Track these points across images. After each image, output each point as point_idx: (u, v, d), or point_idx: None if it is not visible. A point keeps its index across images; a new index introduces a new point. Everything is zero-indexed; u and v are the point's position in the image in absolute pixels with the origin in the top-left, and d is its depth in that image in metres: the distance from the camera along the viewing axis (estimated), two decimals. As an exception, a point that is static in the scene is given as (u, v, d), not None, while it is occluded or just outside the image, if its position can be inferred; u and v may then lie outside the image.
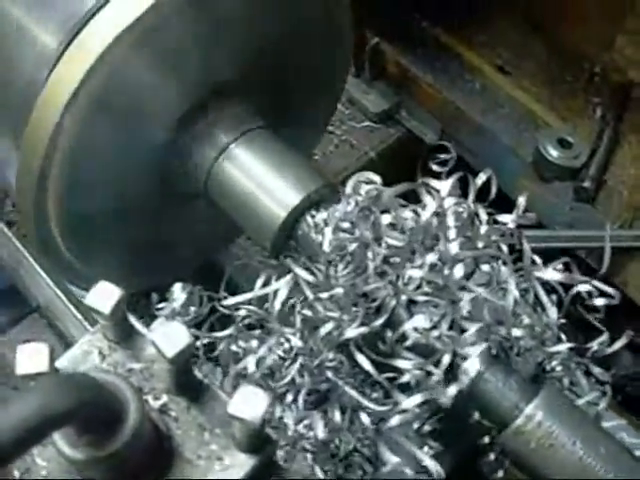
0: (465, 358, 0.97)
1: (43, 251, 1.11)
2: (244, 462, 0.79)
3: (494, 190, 1.10)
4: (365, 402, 0.99)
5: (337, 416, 1.00)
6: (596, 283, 1.08)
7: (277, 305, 1.00)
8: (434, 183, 1.05)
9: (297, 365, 1.01)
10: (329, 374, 1.00)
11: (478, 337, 0.97)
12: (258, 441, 0.79)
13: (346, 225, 0.98)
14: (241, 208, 1.09)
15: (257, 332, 1.06)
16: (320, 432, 0.99)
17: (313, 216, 1.02)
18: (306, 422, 1.01)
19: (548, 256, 1.16)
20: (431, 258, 0.99)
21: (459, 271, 1.00)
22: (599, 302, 1.09)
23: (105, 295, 0.79)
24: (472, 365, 0.97)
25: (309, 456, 1.01)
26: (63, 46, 1.01)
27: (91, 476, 0.74)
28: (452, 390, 0.97)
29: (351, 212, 0.98)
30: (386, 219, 1.00)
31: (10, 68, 1.08)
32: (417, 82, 2.02)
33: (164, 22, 0.99)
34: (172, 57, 1.05)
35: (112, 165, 1.08)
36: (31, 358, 0.74)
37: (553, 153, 1.83)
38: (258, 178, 1.07)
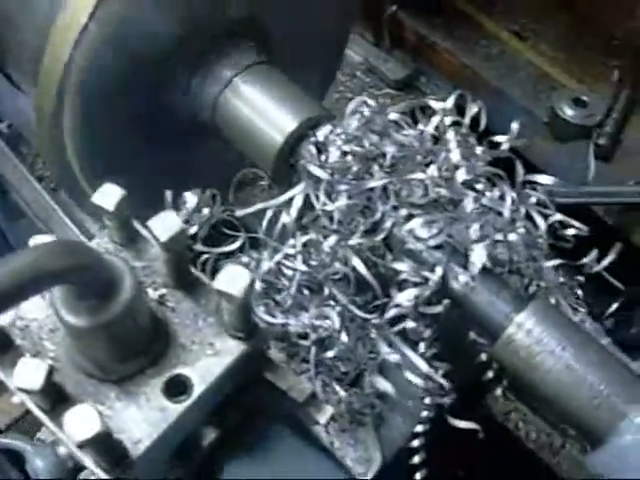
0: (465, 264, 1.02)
1: (62, 182, 1.19)
2: (234, 347, 0.86)
3: (484, 122, 1.14)
4: (358, 312, 1.05)
5: (336, 321, 1.05)
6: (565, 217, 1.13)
7: (294, 213, 1.05)
8: (433, 103, 1.10)
9: (296, 283, 1.07)
10: (331, 287, 1.05)
11: (480, 235, 1.02)
12: (246, 327, 0.85)
13: (348, 144, 1.04)
14: (244, 136, 1.16)
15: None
16: (336, 321, 1.04)
17: (313, 137, 1.07)
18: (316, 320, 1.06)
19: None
20: (433, 169, 1.04)
21: (461, 175, 1.05)
22: (569, 232, 1.13)
23: (109, 194, 0.86)
24: (479, 256, 1.01)
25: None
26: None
27: (92, 350, 0.81)
28: (463, 278, 1.01)
29: (356, 127, 1.04)
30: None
31: (27, 10, 1.17)
32: (435, 49, 2.07)
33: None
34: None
35: (123, 97, 1.14)
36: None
37: (568, 112, 1.84)
38: (259, 107, 1.14)
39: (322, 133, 1.08)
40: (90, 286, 0.73)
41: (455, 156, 1.06)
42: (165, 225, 0.81)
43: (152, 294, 0.88)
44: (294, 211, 1.05)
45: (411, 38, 2.09)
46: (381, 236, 1.06)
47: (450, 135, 1.08)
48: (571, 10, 2.10)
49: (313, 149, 1.07)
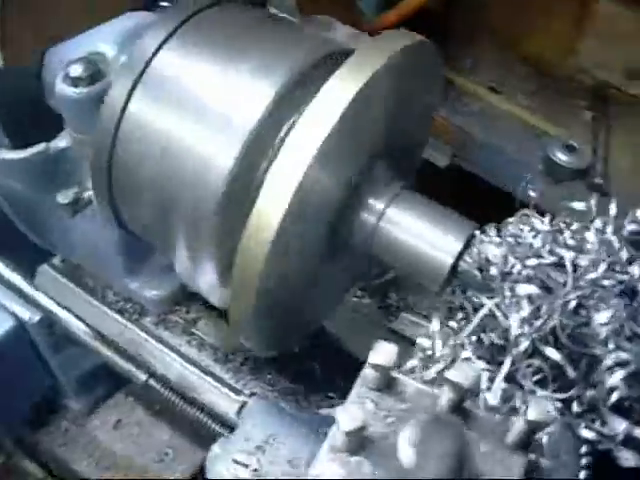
0: None
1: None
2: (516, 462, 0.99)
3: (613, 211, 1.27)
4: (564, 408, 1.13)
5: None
6: None
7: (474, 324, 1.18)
8: (577, 205, 1.28)
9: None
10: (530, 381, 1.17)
11: None
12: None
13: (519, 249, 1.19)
14: (408, 262, 1.26)
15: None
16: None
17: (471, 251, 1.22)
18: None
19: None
20: (603, 266, 1.17)
21: (637, 270, 1.17)
22: None
23: (386, 352, 0.98)
24: None
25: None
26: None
27: None
28: None
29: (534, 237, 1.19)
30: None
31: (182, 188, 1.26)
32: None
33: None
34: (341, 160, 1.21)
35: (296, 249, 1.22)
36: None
37: (562, 158, 2.04)
38: (418, 233, 1.24)
39: (478, 245, 1.22)
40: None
41: (624, 254, 1.20)
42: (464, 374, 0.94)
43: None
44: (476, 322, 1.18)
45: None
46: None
47: (613, 237, 1.22)
48: (526, 57, 2.32)
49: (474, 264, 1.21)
